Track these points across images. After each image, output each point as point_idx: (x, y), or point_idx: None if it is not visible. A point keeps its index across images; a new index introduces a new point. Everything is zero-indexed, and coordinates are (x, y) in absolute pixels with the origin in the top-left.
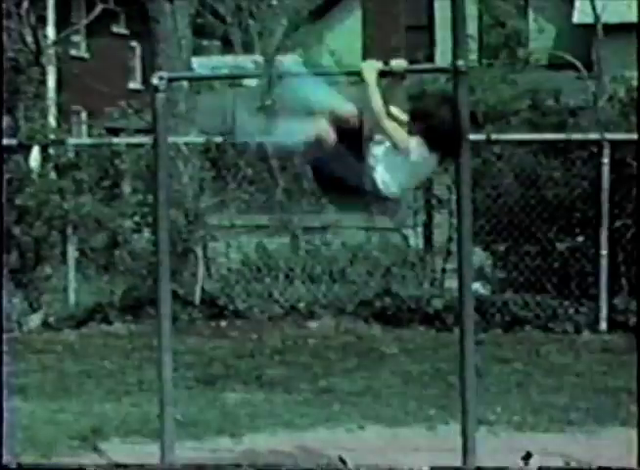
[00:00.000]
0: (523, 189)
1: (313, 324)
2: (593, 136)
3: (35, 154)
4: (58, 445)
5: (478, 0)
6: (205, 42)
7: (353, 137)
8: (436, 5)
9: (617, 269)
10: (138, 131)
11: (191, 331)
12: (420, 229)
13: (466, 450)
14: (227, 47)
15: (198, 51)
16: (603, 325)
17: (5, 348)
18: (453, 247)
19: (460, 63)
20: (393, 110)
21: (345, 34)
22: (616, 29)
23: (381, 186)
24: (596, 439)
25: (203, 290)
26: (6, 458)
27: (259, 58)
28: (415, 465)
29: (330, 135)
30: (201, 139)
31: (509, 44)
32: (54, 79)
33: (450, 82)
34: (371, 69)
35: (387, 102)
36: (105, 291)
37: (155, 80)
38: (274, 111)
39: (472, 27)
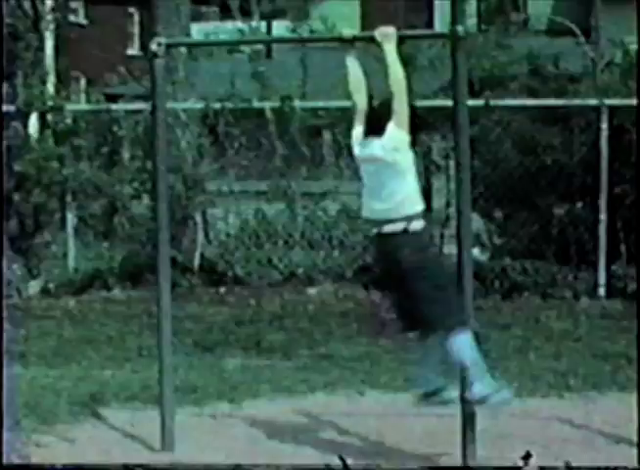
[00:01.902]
0: (521, 155)
1: (312, 290)
2: (592, 102)
3: (34, 120)
4: (58, 411)
5: None
6: (203, 8)
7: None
8: None
9: (616, 236)
10: (136, 97)
11: (190, 297)
12: None
13: (465, 416)
14: (225, 13)
15: (196, 17)
16: (601, 291)
17: (5, 314)
18: (452, 213)
19: (458, 28)
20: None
21: (344, 0)
22: None
23: None
24: (595, 404)
25: (202, 256)
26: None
27: (257, 24)
28: (414, 430)
29: None
30: (199, 105)
31: (507, 9)
32: (52, 46)
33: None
34: (390, 36)
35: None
36: (104, 257)
37: (153, 46)
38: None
39: None
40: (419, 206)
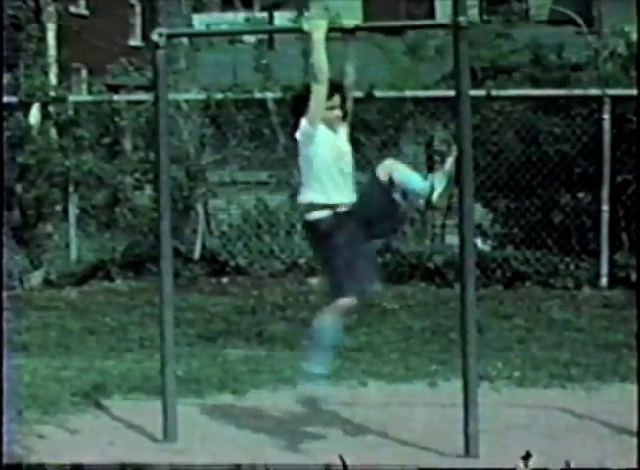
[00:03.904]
0: (523, 145)
1: (314, 280)
2: (594, 92)
3: (35, 111)
4: (60, 401)
5: None
6: None
7: None
8: None
9: (618, 225)
10: (138, 88)
11: (192, 288)
12: None
13: (467, 406)
14: (227, 3)
15: (198, 7)
16: (603, 281)
17: (7, 305)
18: (454, 203)
19: (460, 18)
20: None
21: None
22: None
23: None
24: (596, 394)
25: (203, 246)
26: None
27: (259, 14)
28: (416, 421)
29: None
30: (201, 96)
31: None
32: (54, 37)
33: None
34: (319, 26)
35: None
36: (106, 248)
37: (155, 37)
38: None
39: None
40: (306, 197)
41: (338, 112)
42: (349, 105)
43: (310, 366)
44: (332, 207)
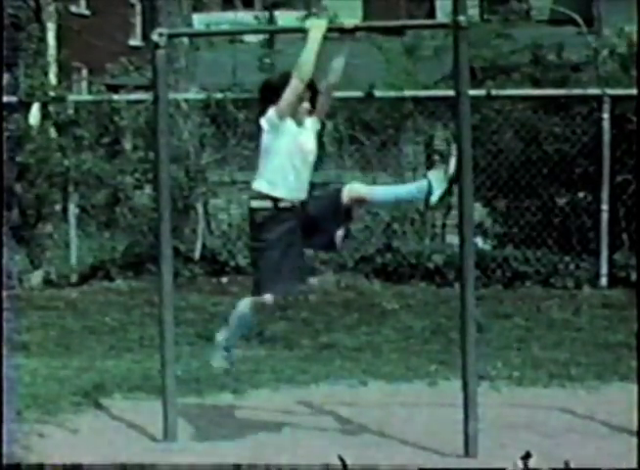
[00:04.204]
0: (523, 145)
1: (314, 280)
2: (593, 91)
3: (35, 111)
4: (60, 401)
5: None
6: None
7: None
8: None
9: (618, 225)
10: (138, 88)
11: (192, 287)
12: None
13: (467, 406)
14: (227, 3)
15: (198, 7)
16: (603, 281)
17: (7, 305)
18: (454, 202)
19: (461, 18)
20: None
21: None
22: None
23: None
24: (596, 394)
25: (204, 246)
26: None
27: (260, 13)
28: (416, 420)
29: None
30: (201, 95)
31: None
32: (54, 36)
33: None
34: (317, 25)
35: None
36: (106, 248)
37: (155, 37)
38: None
39: None
40: (256, 185)
41: (307, 104)
42: (322, 100)
43: (219, 335)
44: (276, 200)
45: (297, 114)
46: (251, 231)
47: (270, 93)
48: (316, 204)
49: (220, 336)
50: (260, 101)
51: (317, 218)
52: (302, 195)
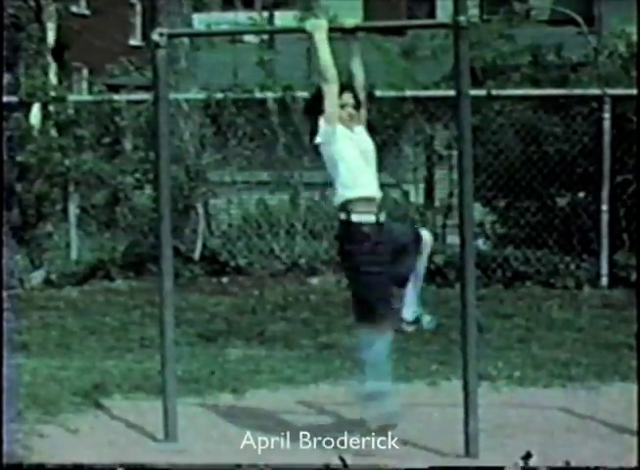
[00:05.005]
0: (523, 145)
1: (314, 280)
2: (594, 91)
3: (36, 111)
4: (60, 401)
5: None
6: None
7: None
8: None
9: (618, 225)
10: (139, 88)
11: (192, 287)
12: (421, 185)
13: (467, 406)
14: (227, 3)
15: (198, 7)
16: (604, 281)
17: (7, 305)
18: (454, 202)
19: (461, 18)
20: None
21: None
22: None
23: None
24: (596, 394)
25: (204, 246)
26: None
27: (260, 14)
28: (416, 420)
29: None
30: (201, 95)
31: None
32: (54, 36)
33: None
34: (318, 26)
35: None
36: (106, 248)
37: (155, 37)
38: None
39: None
40: (341, 197)
41: (351, 110)
42: (363, 104)
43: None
44: (368, 200)
45: (343, 120)
46: (353, 248)
47: (314, 111)
48: (399, 232)
49: (368, 387)
50: (308, 121)
51: (401, 246)
52: (378, 193)
